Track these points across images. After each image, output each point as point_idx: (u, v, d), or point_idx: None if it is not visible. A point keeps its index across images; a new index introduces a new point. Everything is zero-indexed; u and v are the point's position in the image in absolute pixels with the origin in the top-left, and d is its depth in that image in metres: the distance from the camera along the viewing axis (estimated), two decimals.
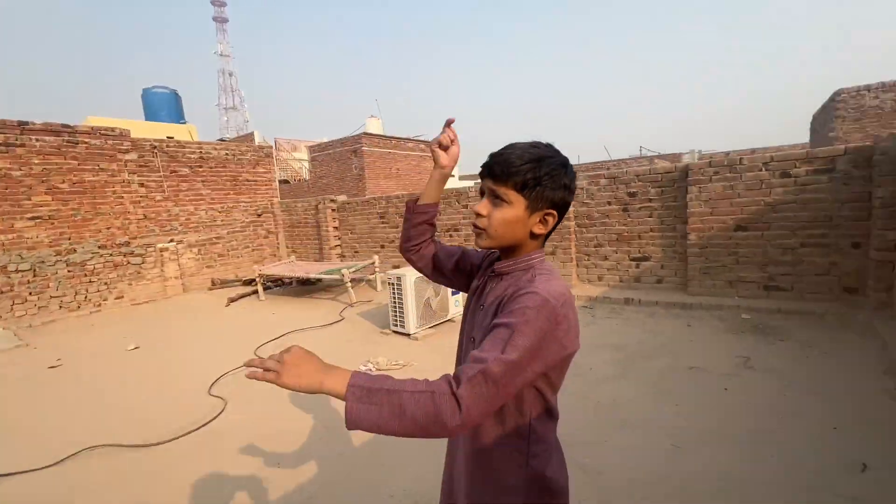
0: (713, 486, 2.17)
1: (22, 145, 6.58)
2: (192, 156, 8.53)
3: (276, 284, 8.53)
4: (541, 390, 0.93)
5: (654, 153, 22.06)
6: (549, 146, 0.97)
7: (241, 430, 3.11)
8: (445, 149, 1.13)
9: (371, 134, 20.32)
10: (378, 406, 0.76)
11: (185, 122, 15.87)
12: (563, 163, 0.95)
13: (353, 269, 6.87)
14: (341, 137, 20.59)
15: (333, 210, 8.79)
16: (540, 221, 0.96)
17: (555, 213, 0.96)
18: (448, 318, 5.38)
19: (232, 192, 9.13)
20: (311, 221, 9.22)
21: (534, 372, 0.84)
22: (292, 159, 25.05)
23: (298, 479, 2.51)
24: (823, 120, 11.98)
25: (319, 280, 8.45)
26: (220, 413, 3.39)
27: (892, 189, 3.98)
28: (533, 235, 0.98)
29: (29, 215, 6.67)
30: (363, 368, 4.11)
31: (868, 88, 10.47)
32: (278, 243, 9.82)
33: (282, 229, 9.81)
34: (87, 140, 7.19)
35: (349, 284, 6.63)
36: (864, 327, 3.98)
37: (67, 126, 7.05)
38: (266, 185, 9.74)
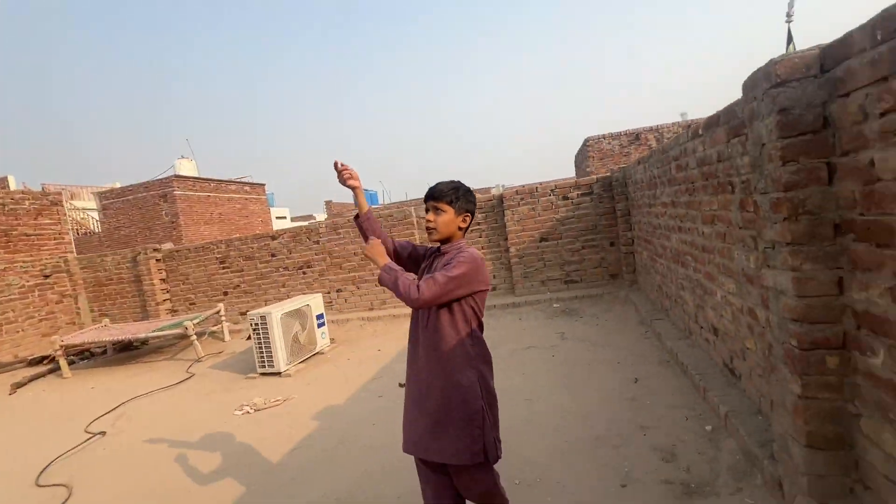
0: (557, 416, 3.01)
1: None
2: None
3: (82, 358, 7.02)
4: (475, 310, 1.59)
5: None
6: (459, 181, 1.68)
7: None
8: (348, 178, 1.79)
9: (184, 176, 18.20)
10: (390, 276, 1.57)
11: None
12: (468, 189, 1.69)
13: (198, 321, 6.27)
14: (145, 181, 17.88)
15: (159, 260, 7.77)
16: (462, 220, 1.67)
17: (469, 215, 1.69)
18: (317, 350, 5.45)
19: (3, 251, 7.22)
20: (127, 277, 7.91)
21: (463, 291, 1.53)
22: (72, 209, 20.35)
23: None
24: (581, 158, 16.01)
25: (145, 343, 7.32)
26: (67, 500, 2.89)
27: (624, 204, 5.91)
28: (459, 229, 1.67)
29: None
30: (238, 414, 3.95)
31: (604, 137, 14.55)
32: (78, 308, 8.07)
33: (83, 290, 8.11)
34: None
35: (194, 338, 6.02)
36: (625, 299, 5.72)
37: None
38: (55, 238, 7.98)
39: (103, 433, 3.92)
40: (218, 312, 6.88)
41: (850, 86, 1.38)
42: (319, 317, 5.58)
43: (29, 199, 7.72)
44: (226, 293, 7.67)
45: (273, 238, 7.38)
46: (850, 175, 1.43)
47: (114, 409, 4.53)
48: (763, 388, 2.23)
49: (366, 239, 1.78)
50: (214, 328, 7.18)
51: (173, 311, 7.92)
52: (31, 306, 7.49)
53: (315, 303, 5.54)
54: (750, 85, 1.77)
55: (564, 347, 4.43)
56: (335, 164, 1.79)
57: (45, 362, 6.90)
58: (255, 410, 3.98)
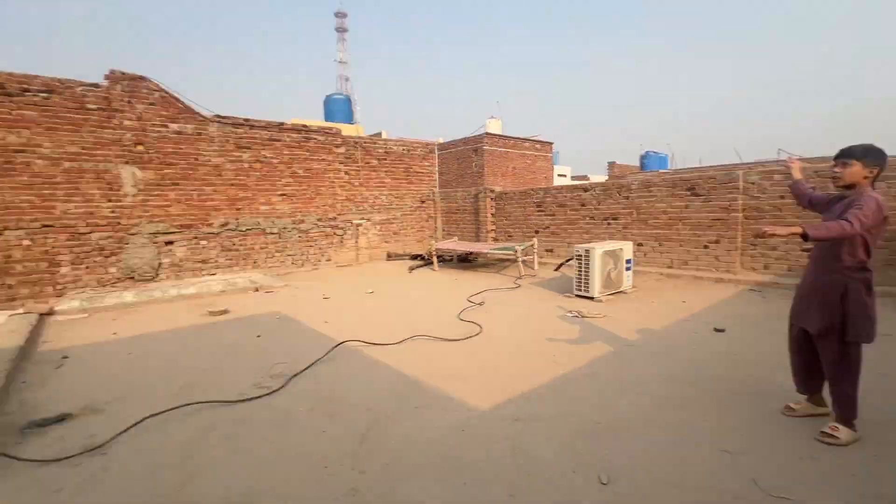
0: None
1: (279, 140, 8.82)
2: (380, 150, 10.43)
3: (440, 260, 10.07)
4: (867, 241, 2.14)
5: (790, 154, 20.56)
6: (871, 144, 2.18)
7: (501, 339, 4.38)
8: (793, 163, 2.62)
9: (492, 134, 21.62)
10: (821, 232, 2.10)
11: (354, 123, 18.71)
12: (879, 150, 2.16)
13: (523, 248, 8.07)
14: (463, 137, 22.18)
15: (492, 199, 10.12)
16: (869, 171, 2.21)
17: (878, 168, 2.17)
18: (621, 289, 6.28)
19: (404, 182, 10.91)
20: (468, 208, 10.67)
21: (868, 225, 2.05)
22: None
23: (588, 356, 3.65)
24: None
25: (477, 258, 9.84)
26: (480, 332, 4.69)
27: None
28: (865, 178, 2.18)
29: (279, 192, 8.91)
30: (569, 315, 5.21)
31: None
32: (436, 226, 11.45)
33: (439, 214, 11.41)
34: (315, 136, 9.32)
35: (521, 260, 7.83)
36: None
37: (305, 126, 9.23)
38: (429, 176, 11.42)
39: (482, 303, 5.92)
40: (533, 245, 8.58)
41: None
42: (628, 261, 6.33)
43: (420, 148, 11.21)
44: (537, 232, 9.36)
45: (585, 190, 8.45)
46: None
47: (479, 293, 6.63)
48: None
49: (798, 199, 2.59)
50: (525, 258, 8.99)
51: (496, 240, 10.25)
52: (413, 220, 11.14)
53: (627, 248, 6.31)
54: None
55: None
56: (788, 159, 2.73)
57: (417, 259, 10.31)
58: (581, 316, 5.17)
